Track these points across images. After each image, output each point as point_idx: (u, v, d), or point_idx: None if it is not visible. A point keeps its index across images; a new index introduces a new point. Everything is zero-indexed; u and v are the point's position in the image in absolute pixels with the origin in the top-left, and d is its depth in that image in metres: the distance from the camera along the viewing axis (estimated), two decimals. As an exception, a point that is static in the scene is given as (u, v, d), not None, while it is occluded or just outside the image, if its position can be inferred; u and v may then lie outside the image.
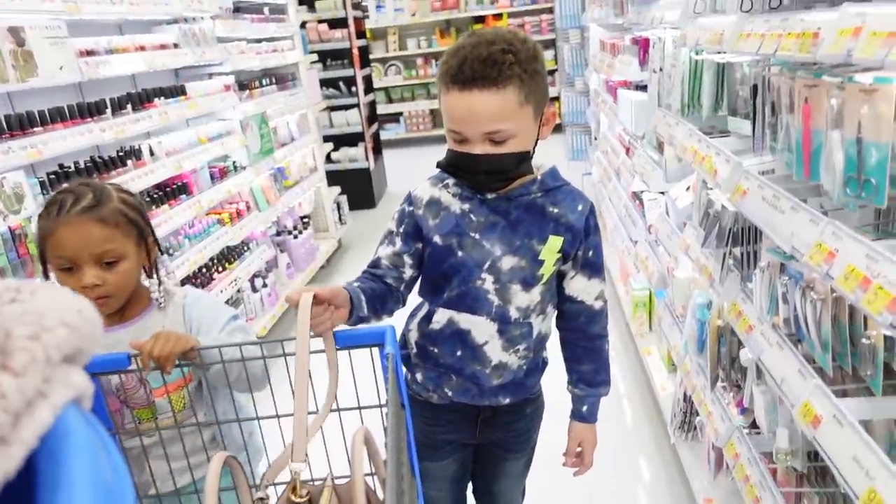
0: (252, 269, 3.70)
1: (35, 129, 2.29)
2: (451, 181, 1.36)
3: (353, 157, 6.55)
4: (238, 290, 3.57)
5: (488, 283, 1.33)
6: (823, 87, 1.22)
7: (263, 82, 4.32)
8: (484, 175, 1.25)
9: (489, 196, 1.32)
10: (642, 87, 3.33)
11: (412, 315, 1.48)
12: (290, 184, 4.61)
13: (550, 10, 8.90)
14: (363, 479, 0.88)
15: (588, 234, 1.36)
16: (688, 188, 2.40)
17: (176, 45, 3.26)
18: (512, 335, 1.37)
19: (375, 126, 7.30)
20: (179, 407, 1.42)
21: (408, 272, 1.37)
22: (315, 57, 5.84)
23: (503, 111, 1.17)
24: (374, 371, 1.15)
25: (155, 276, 1.44)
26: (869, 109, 1.08)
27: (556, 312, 1.47)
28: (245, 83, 4.04)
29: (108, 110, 2.67)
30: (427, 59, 9.63)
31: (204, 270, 3.28)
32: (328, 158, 6.19)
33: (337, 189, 5.65)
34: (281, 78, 4.70)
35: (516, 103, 1.18)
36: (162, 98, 3.06)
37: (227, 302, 3.41)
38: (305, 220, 4.79)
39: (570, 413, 1.52)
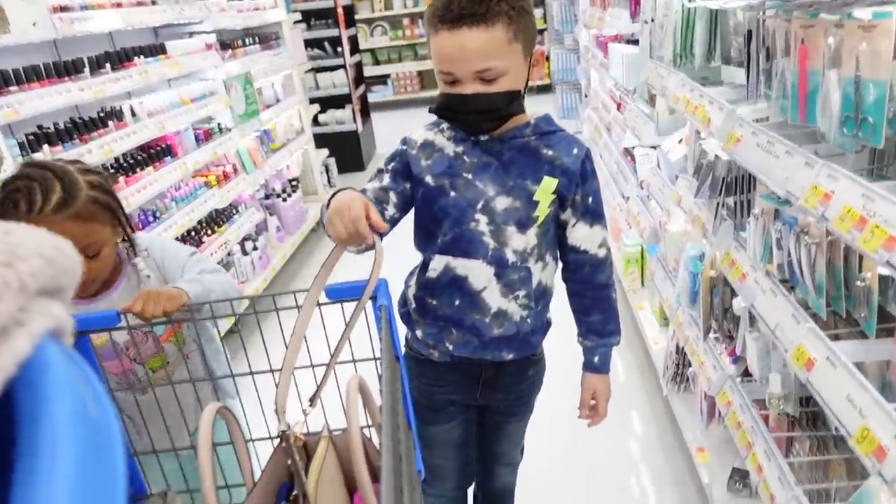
0: (241, 232, 3.66)
1: (10, 87, 2.22)
2: (445, 126, 1.35)
3: (341, 120, 6.45)
4: (228, 254, 3.54)
5: (482, 224, 1.31)
6: (821, 25, 1.19)
7: (246, 42, 4.21)
8: (476, 114, 1.23)
9: (482, 138, 1.31)
10: (633, 42, 3.27)
11: (411, 273, 1.46)
12: (277, 146, 4.54)
13: (539, -34, 8.70)
14: (358, 424, 0.87)
15: (585, 179, 1.34)
16: (680, 141, 2.37)
17: (154, 2, 3.16)
18: (510, 279, 1.34)
19: (362, 88, 7.18)
20: (180, 343, 1.46)
21: (390, 210, 1.34)
22: (298, 16, 5.69)
23: (492, 48, 1.16)
24: (368, 324, 1.13)
25: (131, 250, 1.42)
26: (868, 46, 1.05)
27: (557, 265, 1.46)
28: (227, 42, 3.93)
29: (86, 69, 2.59)
30: (413, 19, 9.42)
31: (192, 234, 3.25)
32: (315, 121, 6.09)
33: (325, 152, 5.57)
34: (264, 37, 4.58)
35: (505, 40, 1.17)
36: (141, 57, 2.97)
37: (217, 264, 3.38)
38: (294, 182, 4.73)
39: (582, 365, 1.51)
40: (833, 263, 1.26)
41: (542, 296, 1.42)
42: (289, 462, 1.00)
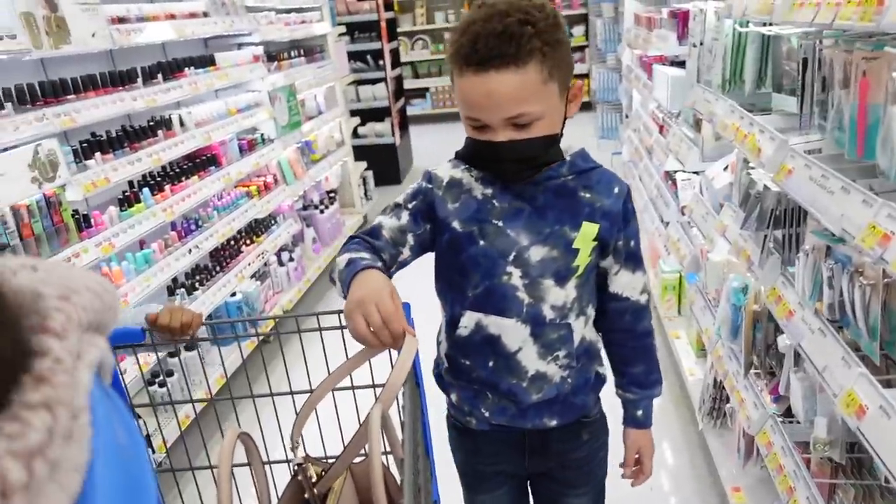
0: (279, 242, 3.71)
1: (68, 96, 2.30)
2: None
3: (380, 133, 6.51)
4: (265, 264, 3.58)
5: (515, 277, 1.17)
6: (885, 58, 1.15)
7: (292, 54, 4.29)
8: (510, 164, 1.11)
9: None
10: (678, 63, 3.23)
11: (441, 329, 1.34)
12: (317, 158, 4.60)
13: (583, -15, 8.69)
14: (380, 458, 0.85)
15: (627, 221, 1.22)
16: (725, 168, 2.32)
17: (205, 14, 3.24)
18: (548, 339, 1.20)
19: (402, 101, 7.24)
20: None
21: (405, 253, 1.20)
22: (343, 29, 5.78)
23: (526, 92, 1.04)
24: (389, 349, 1.11)
25: None
26: (936, 83, 1.01)
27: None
28: (273, 54, 4.01)
29: (140, 79, 2.67)
30: (455, 34, 9.49)
31: (232, 243, 3.30)
32: (354, 133, 6.16)
33: (363, 164, 5.63)
34: (309, 50, 4.66)
35: (539, 81, 1.04)
36: (192, 68, 3.05)
37: (253, 275, 3.43)
38: (332, 194, 4.78)
39: (622, 420, 1.37)
40: (889, 306, 1.21)
41: (586, 352, 1.28)
42: (305, 495, 1.00)
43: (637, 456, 1.39)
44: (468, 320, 1.22)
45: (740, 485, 2.10)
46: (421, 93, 9.77)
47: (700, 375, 2.64)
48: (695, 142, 2.62)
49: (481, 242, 1.17)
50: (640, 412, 1.35)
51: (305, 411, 1.04)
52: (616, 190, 1.20)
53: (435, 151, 7.97)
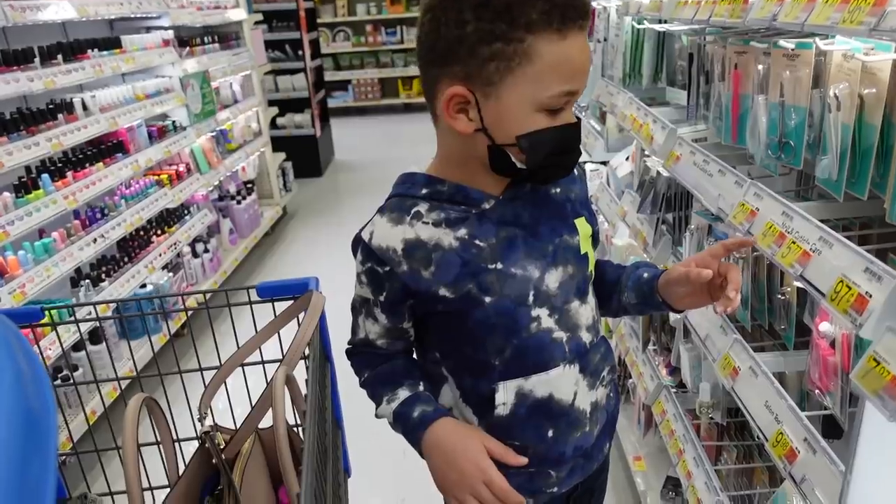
0: (193, 233, 3.60)
1: (-46, 75, 2.16)
2: (422, 208, 0.95)
3: (299, 124, 6.42)
4: (178, 255, 3.48)
5: (545, 319, 0.97)
6: (752, 53, 1.27)
7: (205, 40, 4.17)
8: (579, 152, 0.96)
9: (486, 206, 0.95)
10: (589, 60, 3.37)
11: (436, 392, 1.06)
12: (234, 147, 4.50)
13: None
14: (283, 414, 0.84)
15: (588, 193, 1.10)
16: (627, 157, 2.46)
17: (110, -5, 3.11)
18: (594, 366, 1.04)
19: (322, 93, 7.16)
20: None
21: (413, 332, 1.05)
22: (260, 17, 5.66)
23: None
24: (298, 322, 1.13)
25: None
26: (791, 74, 1.13)
27: None
28: (186, 40, 3.89)
29: (37, 59, 2.53)
30: (377, 27, 9.45)
31: (141, 233, 3.19)
32: (273, 123, 6.04)
33: (282, 155, 5.54)
34: (224, 36, 4.54)
35: None
36: (95, 50, 2.92)
37: (165, 267, 3.32)
38: (249, 185, 4.68)
39: (650, 287, 1.06)
40: (758, 278, 1.33)
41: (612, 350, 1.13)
42: (213, 461, 1.01)
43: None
44: (505, 395, 0.98)
45: (641, 454, 2.24)
46: (343, 85, 9.68)
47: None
48: (601, 133, 2.75)
49: (487, 299, 0.94)
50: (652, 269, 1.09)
51: (214, 384, 1.05)
52: (576, 171, 1.06)
53: (357, 145, 7.92)
